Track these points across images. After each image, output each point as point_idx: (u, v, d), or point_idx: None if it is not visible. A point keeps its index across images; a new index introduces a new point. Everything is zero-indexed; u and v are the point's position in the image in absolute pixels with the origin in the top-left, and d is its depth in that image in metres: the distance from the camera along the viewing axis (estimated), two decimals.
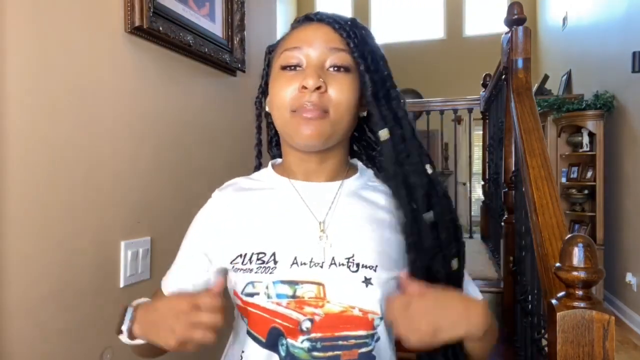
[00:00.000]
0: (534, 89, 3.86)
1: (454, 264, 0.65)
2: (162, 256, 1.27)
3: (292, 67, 0.65)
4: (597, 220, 3.49)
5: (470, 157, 3.57)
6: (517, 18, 1.66)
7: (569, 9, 4.81)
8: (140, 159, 1.21)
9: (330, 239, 0.65)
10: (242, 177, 0.75)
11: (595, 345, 0.68)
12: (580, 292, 0.70)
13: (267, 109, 0.72)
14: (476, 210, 5.22)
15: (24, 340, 0.90)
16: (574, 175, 3.85)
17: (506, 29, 1.73)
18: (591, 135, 3.64)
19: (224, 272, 0.69)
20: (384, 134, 0.64)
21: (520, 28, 1.64)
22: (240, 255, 0.65)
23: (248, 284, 0.64)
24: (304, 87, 0.62)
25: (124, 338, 0.63)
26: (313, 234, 0.65)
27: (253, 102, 0.77)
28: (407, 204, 0.63)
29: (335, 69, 0.64)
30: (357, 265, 0.63)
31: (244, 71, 1.70)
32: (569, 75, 4.70)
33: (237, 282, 0.65)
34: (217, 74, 1.58)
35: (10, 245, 0.87)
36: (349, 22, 0.66)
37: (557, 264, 0.71)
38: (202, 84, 1.50)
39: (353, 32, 0.65)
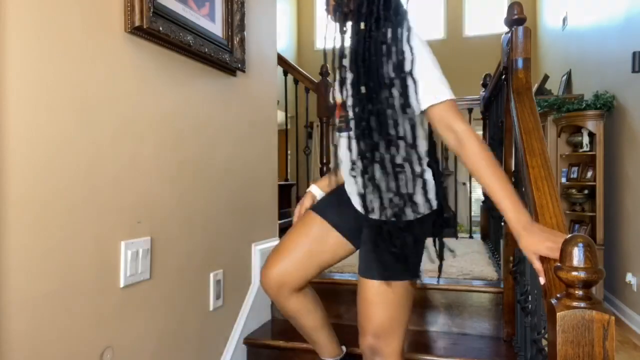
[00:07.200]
0: (534, 89, 3.87)
1: None
2: (162, 256, 1.28)
3: None
4: (597, 220, 3.49)
5: None
6: (517, 18, 1.66)
7: (569, 9, 4.81)
8: (140, 159, 1.21)
9: None
10: None
11: (595, 345, 0.68)
12: (580, 292, 0.70)
13: None
14: (476, 210, 5.23)
15: (24, 340, 0.90)
16: (574, 175, 3.85)
17: (506, 29, 1.73)
18: (591, 135, 3.64)
19: None
20: None
21: (520, 28, 1.64)
22: None
23: None
24: None
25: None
26: None
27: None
28: None
29: None
30: None
31: (244, 71, 1.70)
32: (569, 75, 4.70)
33: None
34: (217, 74, 1.58)
35: (10, 245, 0.87)
36: None
37: (557, 264, 0.71)
38: (202, 84, 1.50)
39: None
